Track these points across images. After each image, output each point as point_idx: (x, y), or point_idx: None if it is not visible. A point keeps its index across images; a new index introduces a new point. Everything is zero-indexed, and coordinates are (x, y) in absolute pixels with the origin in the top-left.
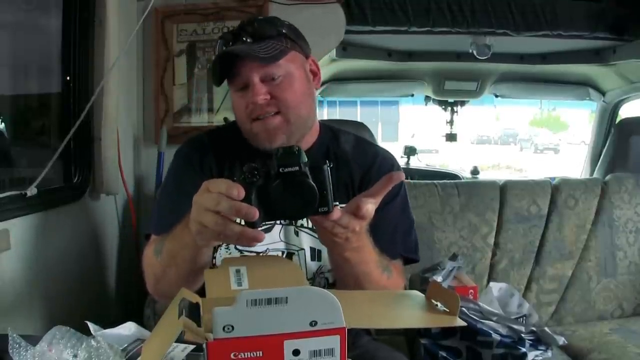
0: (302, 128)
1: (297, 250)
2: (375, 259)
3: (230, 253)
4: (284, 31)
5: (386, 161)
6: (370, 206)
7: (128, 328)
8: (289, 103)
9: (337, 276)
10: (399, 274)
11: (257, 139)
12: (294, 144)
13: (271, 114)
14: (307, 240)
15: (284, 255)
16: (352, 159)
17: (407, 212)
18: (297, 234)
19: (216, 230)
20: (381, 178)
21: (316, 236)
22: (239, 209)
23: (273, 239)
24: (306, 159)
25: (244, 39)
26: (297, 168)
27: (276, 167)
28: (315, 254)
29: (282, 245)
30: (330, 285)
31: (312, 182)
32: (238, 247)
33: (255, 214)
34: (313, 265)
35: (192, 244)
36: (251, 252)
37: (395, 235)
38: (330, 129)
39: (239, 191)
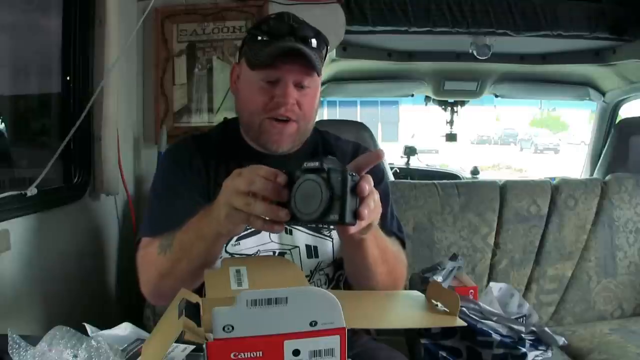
0: (303, 138)
1: (291, 249)
2: (382, 232)
3: (221, 257)
4: (327, 46)
5: (347, 143)
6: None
7: (124, 328)
8: (307, 114)
9: (362, 264)
10: (401, 250)
11: (264, 136)
12: (294, 149)
13: (287, 120)
14: (301, 238)
15: (276, 255)
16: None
17: (390, 198)
18: (290, 232)
19: (246, 212)
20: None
21: (311, 233)
22: (274, 189)
23: (263, 240)
24: (334, 166)
25: (298, 37)
26: (317, 164)
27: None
28: (312, 251)
29: (273, 246)
30: (329, 281)
31: (326, 185)
32: (228, 250)
33: (287, 195)
34: (310, 263)
35: (210, 234)
36: (242, 254)
37: (385, 216)
38: (317, 130)
39: (281, 176)
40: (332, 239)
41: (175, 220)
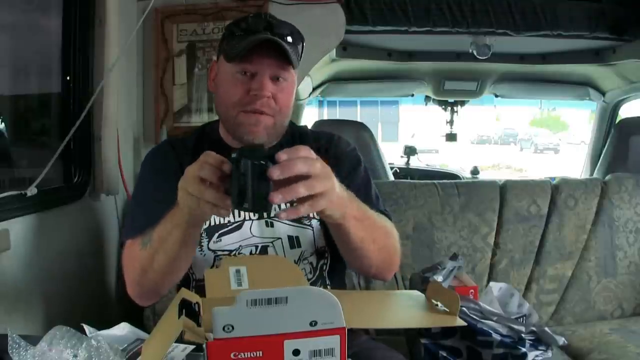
0: (279, 133)
1: (273, 241)
2: (371, 212)
3: (204, 254)
4: (302, 43)
5: (342, 140)
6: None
7: (122, 328)
8: (283, 108)
9: (349, 246)
10: (391, 225)
11: (240, 129)
12: (270, 145)
13: (265, 112)
14: (282, 229)
15: (258, 249)
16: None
17: (370, 180)
18: (271, 224)
19: (195, 196)
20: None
21: (292, 224)
22: (219, 177)
23: (244, 236)
24: (261, 155)
25: (274, 33)
26: (235, 154)
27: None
28: (294, 241)
29: (255, 240)
30: (314, 270)
31: (237, 174)
32: (211, 247)
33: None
34: (293, 253)
35: (181, 221)
36: (224, 250)
37: (369, 196)
38: (295, 126)
39: (226, 164)
40: (312, 227)
41: (157, 221)
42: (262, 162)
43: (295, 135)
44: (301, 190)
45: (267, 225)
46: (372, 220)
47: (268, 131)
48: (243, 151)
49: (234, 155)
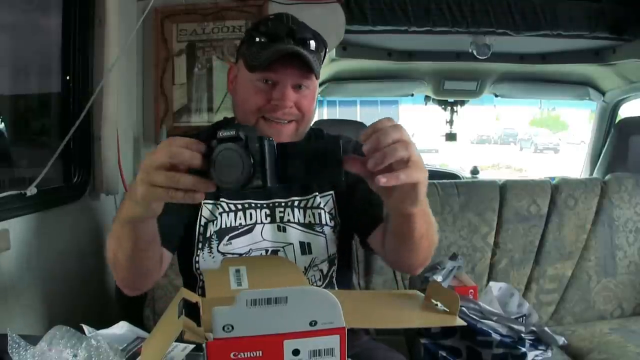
0: (301, 137)
1: (284, 246)
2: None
3: (213, 256)
4: (325, 48)
5: (348, 141)
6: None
7: (120, 327)
8: (305, 116)
9: (414, 242)
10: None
11: None
12: None
13: (286, 121)
14: (294, 235)
15: (269, 253)
16: None
17: None
18: (283, 229)
19: (168, 186)
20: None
21: (304, 230)
22: (198, 158)
23: (255, 239)
24: (251, 134)
25: (297, 40)
26: (233, 133)
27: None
28: (305, 247)
29: (266, 244)
30: (324, 277)
31: (246, 153)
32: (220, 249)
33: (206, 164)
34: (304, 259)
35: (134, 217)
36: (234, 253)
37: None
38: (311, 128)
39: (201, 145)
40: (325, 234)
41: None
42: (271, 139)
43: (312, 137)
44: (400, 151)
45: (279, 229)
46: (429, 215)
47: (290, 139)
48: (243, 129)
49: (229, 133)
